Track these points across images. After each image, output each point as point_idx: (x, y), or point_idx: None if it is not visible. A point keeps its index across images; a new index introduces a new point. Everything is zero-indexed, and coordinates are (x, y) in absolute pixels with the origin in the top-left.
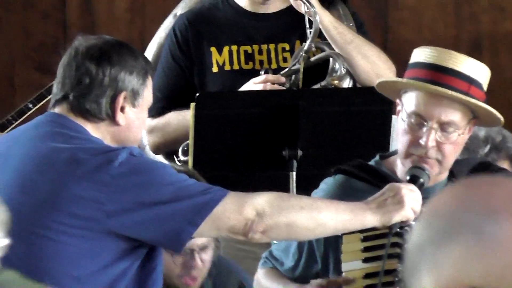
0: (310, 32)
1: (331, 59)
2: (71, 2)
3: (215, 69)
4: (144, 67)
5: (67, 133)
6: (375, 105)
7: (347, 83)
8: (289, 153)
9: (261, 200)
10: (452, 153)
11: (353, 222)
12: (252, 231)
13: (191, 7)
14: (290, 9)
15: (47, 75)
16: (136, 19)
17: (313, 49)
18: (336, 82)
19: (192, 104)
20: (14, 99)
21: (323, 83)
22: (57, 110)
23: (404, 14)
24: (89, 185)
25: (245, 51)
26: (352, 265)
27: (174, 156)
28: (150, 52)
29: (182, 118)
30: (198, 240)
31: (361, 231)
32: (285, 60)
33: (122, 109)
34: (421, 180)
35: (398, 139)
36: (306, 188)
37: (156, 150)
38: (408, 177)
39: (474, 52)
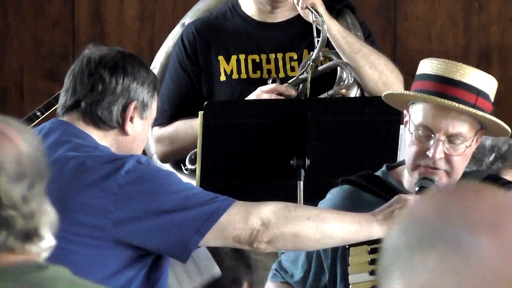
0: (318, 41)
1: (338, 68)
2: (80, 11)
3: (222, 77)
4: (154, 81)
5: (75, 141)
6: (383, 115)
7: (354, 92)
8: (297, 162)
9: (267, 210)
10: (461, 164)
11: (360, 233)
12: (257, 241)
13: (199, 16)
14: (298, 18)
15: (56, 83)
16: (145, 28)
17: (321, 58)
18: (343, 91)
19: (200, 113)
20: (23, 106)
21: (330, 92)
22: (65, 118)
23: (413, 24)
24: (97, 193)
25: (253, 60)
26: (359, 277)
27: (182, 164)
28: (158, 61)
29: (190, 127)
30: None
31: (368, 244)
32: (292, 69)
33: (131, 119)
34: None
35: (405, 150)
36: (313, 197)
37: (164, 159)
38: (417, 188)
39: (483, 62)
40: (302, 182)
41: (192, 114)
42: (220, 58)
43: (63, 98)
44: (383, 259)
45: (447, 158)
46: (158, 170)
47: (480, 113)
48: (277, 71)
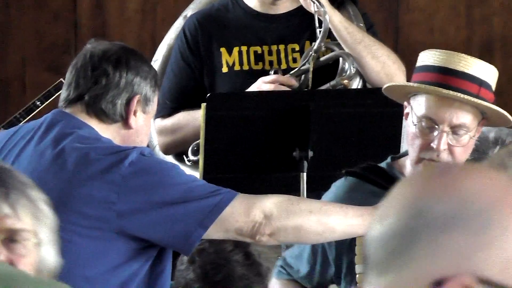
0: (320, 32)
1: (340, 59)
2: (82, 3)
3: (224, 69)
4: (155, 76)
5: (78, 133)
6: (386, 107)
7: (356, 83)
8: (299, 154)
9: (269, 203)
10: (463, 155)
11: (362, 227)
12: (259, 233)
13: (201, 8)
14: (300, 10)
15: (58, 75)
16: (147, 20)
17: (323, 49)
18: (345, 82)
19: (203, 105)
20: (25, 99)
21: (332, 83)
22: (68, 110)
23: (415, 16)
24: (100, 185)
25: (255, 52)
26: None
27: (184, 156)
28: (160, 54)
29: (192, 119)
30: None
31: None
32: (294, 60)
33: (135, 113)
34: None
35: (408, 143)
36: (316, 189)
37: (166, 151)
38: None
39: (486, 54)
40: (305, 174)
41: (194, 106)
42: (222, 50)
43: (66, 92)
44: (394, 241)
45: (451, 150)
46: (161, 162)
47: (484, 103)
48: (279, 63)
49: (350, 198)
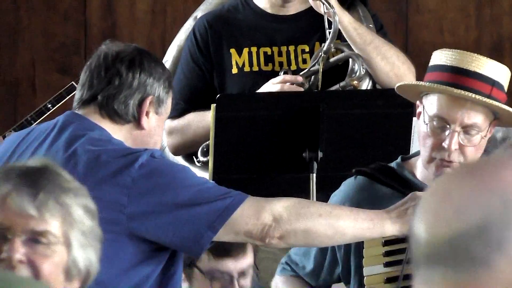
0: (330, 33)
1: (350, 60)
2: (92, 4)
3: (234, 70)
4: (169, 77)
5: (89, 135)
6: (396, 107)
7: (366, 84)
8: (309, 155)
9: (279, 206)
10: (475, 155)
11: (372, 231)
12: (269, 236)
13: (212, 9)
14: (309, 11)
15: (68, 76)
16: (156, 21)
17: (333, 50)
18: (355, 83)
19: (213, 106)
20: (35, 100)
21: (342, 83)
22: (81, 111)
23: (425, 17)
24: (111, 187)
25: (265, 53)
26: (374, 269)
27: (194, 157)
28: (170, 55)
29: (202, 120)
30: (238, 266)
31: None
32: (304, 61)
33: (147, 114)
34: None
35: (420, 142)
36: (326, 190)
37: (176, 151)
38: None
39: (495, 54)
40: (314, 174)
41: (204, 107)
42: (232, 51)
43: (79, 92)
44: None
45: (462, 150)
46: (171, 164)
47: (495, 103)
48: (289, 64)
49: (360, 198)
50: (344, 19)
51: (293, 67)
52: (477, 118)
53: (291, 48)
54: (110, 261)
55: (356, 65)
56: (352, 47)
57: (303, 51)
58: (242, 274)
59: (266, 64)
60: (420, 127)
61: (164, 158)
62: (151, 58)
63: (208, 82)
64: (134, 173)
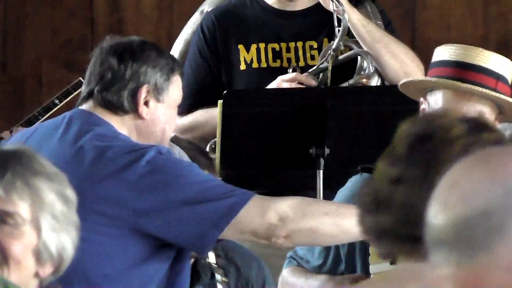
0: (339, 30)
1: (359, 57)
2: (98, 0)
3: (242, 66)
4: (170, 64)
5: (96, 131)
6: (403, 104)
7: (375, 82)
8: (316, 151)
9: (285, 205)
10: None
11: None
12: (274, 235)
13: (218, 4)
14: (318, 7)
15: (74, 72)
16: (163, 17)
17: (341, 47)
18: (364, 80)
19: (220, 102)
20: (41, 96)
21: (351, 81)
22: (84, 107)
23: (432, 13)
24: (117, 183)
25: (273, 49)
26: (380, 267)
27: None
28: (176, 49)
29: (210, 116)
30: None
31: None
32: (312, 58)
33: (146, 103)
34: None
35: None
36: (333, 186)
37: None
38: None
39: (502, 51)
40: (321, 171)
41: (212, 103)
42: (240, 47)
43: (83, 87)
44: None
45: None
46: (178, 161)
47: (503, 96)
48: (297, 60)
49: None
50: (353, 17)
51: (301, 63)
52: (483, 112)
53: (299, 44)
54: (116, 256)
55: (365, 63)
56: (361, 44)
57: (311, 47)
58: None
59: (274, 61)
60: None
61: (171, 154)
62: (145, 47)
63: (216, 78)
64: (141, 169)
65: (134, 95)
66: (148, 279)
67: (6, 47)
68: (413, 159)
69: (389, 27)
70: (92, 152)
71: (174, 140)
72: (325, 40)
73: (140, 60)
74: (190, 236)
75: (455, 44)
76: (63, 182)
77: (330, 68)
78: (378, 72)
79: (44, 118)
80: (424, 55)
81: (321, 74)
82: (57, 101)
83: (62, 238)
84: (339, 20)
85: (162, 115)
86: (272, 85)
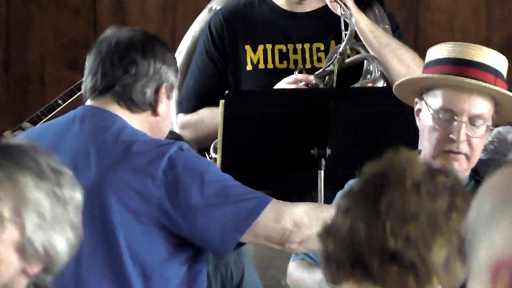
0: (346, 34)
1: (365, 61)
2: (102, 1)
3: (249, 67)
4: (176, 61)
5: (116, 126)
6: (405, 106)
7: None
8: (317, 152)
9: (300, 210)
10: (480, 147)
11: None
12: (289, 241)
13: (227, 2)
14: (326, 9)
15: (77, 72)
16: (167, 18)
17: (348, 51)
18: (369, 85)
19: (221, 102)
20: (45, 96)
21: (356, 85)
22: (95, 103)
23: (436, 16)
24: (140, 179)
25: (280, 50)
26: None
27: (206, 153)
28: (184, 46)
29: (215, 115)
30: None
31: None
32: (319, 60)
33: (161, 100)
34: None
35: (424, 138)
36: (334, 187)
37: None
38: None
39: (506, 53)
40: (322, 171)
41: (217, 103)
42: (247, 47)
43: (91, 81)
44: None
45: (469, 141)
46: (199, 157)
47: (505, 91)
48: (304, 62)
49: None
50: (360, 21)
51: (308, 65)
52: (483, 108)
53: (306, 46)
54: (149, 250)
55: (371, 67)
56: (368, 49)
57: (318, 50)
58: None
59: (281, 62)
60: (423, 123)
61: (191, 151)
62: (162, 44)
63: (223, 78)
64: (164, 165)
65: (156, 93)
66: (166, 280)
67: (10, 47)
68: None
69: (397, 32)
70: (116, 147)
71: (176, 138)
72: (333, 42)
73: (161, 57)
74: (213, 238)
75: (452, 42)
76: (62, 182)
77: (336, 71)
78: (384, 77)
79: (47, 118)
80: None
81: (327, 77)
82: (60, 101)
83: (50, 237)
84: (346, 24)
85: (168, 110)
86: (275, 87)
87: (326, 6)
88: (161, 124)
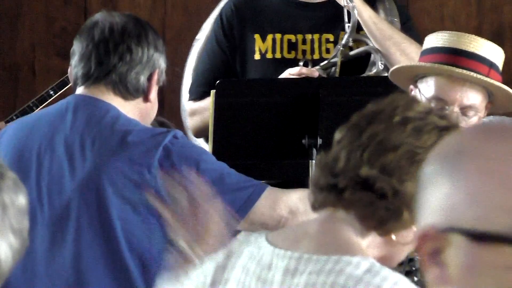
0: (349, 26)
1: (372, 53)
2: None
3: (257, 56)
4: (164, 48)
5: (106, 117)
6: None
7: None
8: (308, 141)
9: (295, 197)
10: None
11: None
12: None
13: None
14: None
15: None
16: (157, 6)
17: (351, 43)
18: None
19: (212, 91)
20: (35, 84)
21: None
22: (88, 91)
23: (426, 4)
24: (136, 168)
25: (289, 40)
26: None
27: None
28: (203, 34)
29: None
30: None
31: None
32: (328, 51)
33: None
34: None
35: None
36: None
37: (197, 134)
38: None
39: (496, 42)
40: (313, 161)
41: None
42: (256, 36)
43: (84, 68)
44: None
45: None
46: (194, 146)
47: (496, 83)
48: (312, 52)
49: None
50: (364, 14)
51: (316, 55)
52: (475, 99)
53: (316, 36)
54: (144, 241)
55: (376, 59)
56: (372, 41)
57: (327, 40)
58: None
59: (289, 52)
60: None
61: (185, 139)
62: (153, 31)
63: (231, 66)
64: (159, 155)
65: (149, 80)
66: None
67: (0, 36)
68: (355, 125)
69: (407, 24)
70: (113, 137)
71: (161, 123)
72: (342, 33)
73: (153, 44)
74: None
75: (448, 31)
76: (1, 186)
77: (339, 63)
78: (388, 70)
79: (38, 109)
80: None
81: (333, 68)
82: (52, 92)
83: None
84: (350, 16)
85: (156, 96)
86: (280, 77)
87: None
88: (150, 110)
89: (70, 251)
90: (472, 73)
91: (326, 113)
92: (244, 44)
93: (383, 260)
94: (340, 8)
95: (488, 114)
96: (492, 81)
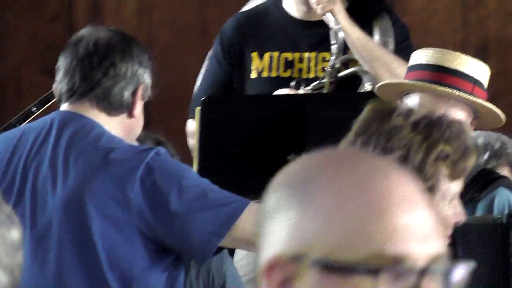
0: (336, 47)
1: (360, 75)
2: (79, 5)
3: (253, 75)
4: (150, 63)
5: (90, 134)
6: None
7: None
8: (294, 157)
9: None
10: None
11: None
12: None
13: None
14: None
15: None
16: (143, 23)
17: (337, 65)
18: None
19: (197, 108)
20: (20, 101)
21: None
22: (72, 107)
23: (411, 19)
24: (119, 186)
25: (286, 58)
26: None
27: None
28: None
29: None
30: None
31: None
32: (323, 70)
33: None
34: None
35: None
36: None
37: None
38: None
39: (481, 56)
40: None
41: None
42: (254, 54)
43: (68, 83)
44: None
45: None
46: (176, 163)
47: (479, 101)
48: (308, 71)
49: None
50: (352, 35)
51: (312, 74)
52: (459, 116)
53: (313, 54)
54: (127, 260)
55: (365, 80)
56: (360, 62)
57: (323, 59)
58: None
59: (285, 70)
60: None
61: (167, 155)
62: (138, 46)
63: (229, 84)
64: (141, 172)
65: (133, 95)
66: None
67: None
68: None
69: (404, 43)
70: (96, 155)
71: (156, 141)
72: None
73: (137, 59)
74: (193, 243)
75: (433, 48)
76: None
77: (327, 84)
78: None
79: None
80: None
81: (323, 90)
82: (34, 109)
83: None
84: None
85: (141, 111)
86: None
87: None
88: (134, 126)
89: (51, 270)
90: (455, 91)
91: (312, 129)
92: (241, 62)
93: None
94: None
95: (475, 129)
96: (475, 98)
